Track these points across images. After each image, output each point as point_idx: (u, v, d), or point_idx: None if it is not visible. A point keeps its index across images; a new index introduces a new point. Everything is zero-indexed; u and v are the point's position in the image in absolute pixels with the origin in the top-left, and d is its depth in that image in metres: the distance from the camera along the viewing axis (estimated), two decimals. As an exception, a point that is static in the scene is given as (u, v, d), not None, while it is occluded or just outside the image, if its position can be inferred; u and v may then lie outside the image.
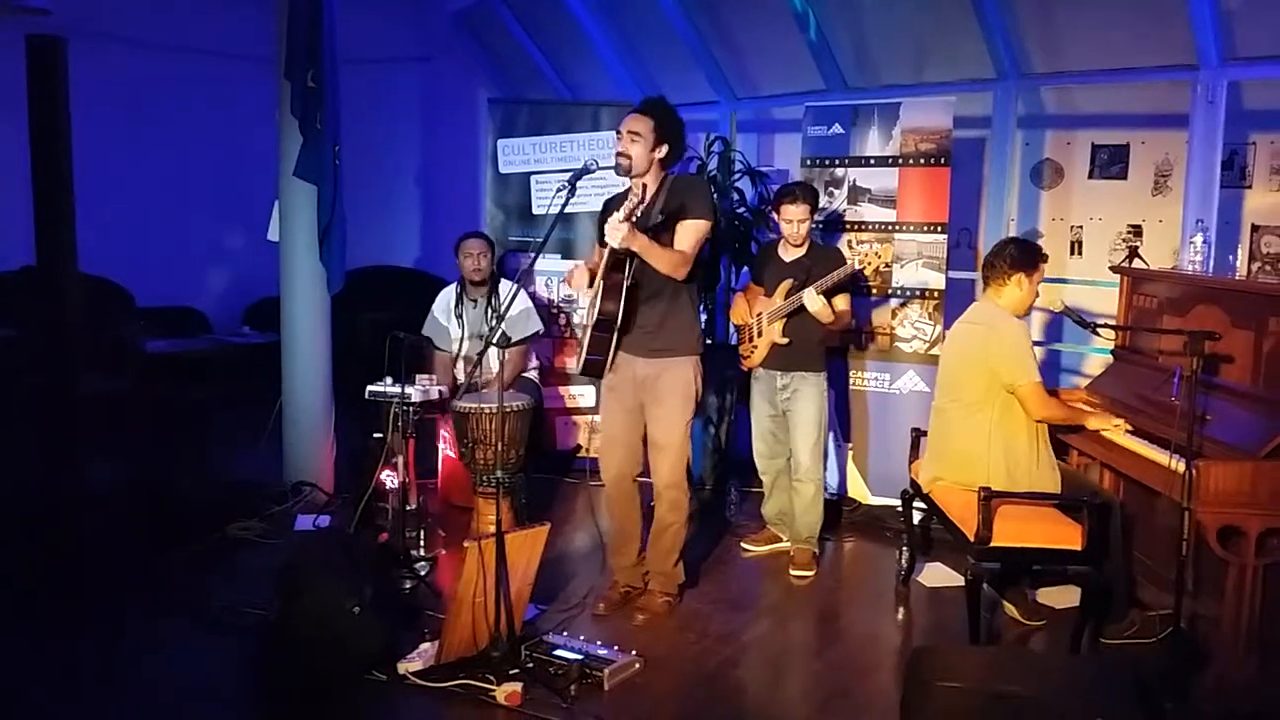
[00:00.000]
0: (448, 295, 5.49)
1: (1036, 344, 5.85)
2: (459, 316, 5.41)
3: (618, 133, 3.92)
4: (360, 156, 6.24)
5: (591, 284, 4.03)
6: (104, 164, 6.48)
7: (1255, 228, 5.24)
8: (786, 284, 4.57)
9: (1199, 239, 4.40)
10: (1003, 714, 2.82)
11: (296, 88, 5.01)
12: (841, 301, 4.56)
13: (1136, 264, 4.70)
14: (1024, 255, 3.90)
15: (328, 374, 5.47)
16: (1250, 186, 5.27)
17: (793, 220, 4.57)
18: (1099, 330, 4.00)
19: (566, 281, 4.22)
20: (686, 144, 4.11)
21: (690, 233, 3.85)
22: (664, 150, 3.88)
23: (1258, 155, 5.23)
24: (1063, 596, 4.15)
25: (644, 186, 3.79)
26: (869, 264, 4.42)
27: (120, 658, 3.69)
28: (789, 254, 4.68)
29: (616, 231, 3.61)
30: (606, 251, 3.79)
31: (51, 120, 4.70)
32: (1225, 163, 5.09)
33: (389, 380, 4.60)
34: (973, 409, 3.86)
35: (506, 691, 3.28)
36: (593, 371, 4.04)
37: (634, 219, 3.65)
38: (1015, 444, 3.82)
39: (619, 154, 3.87)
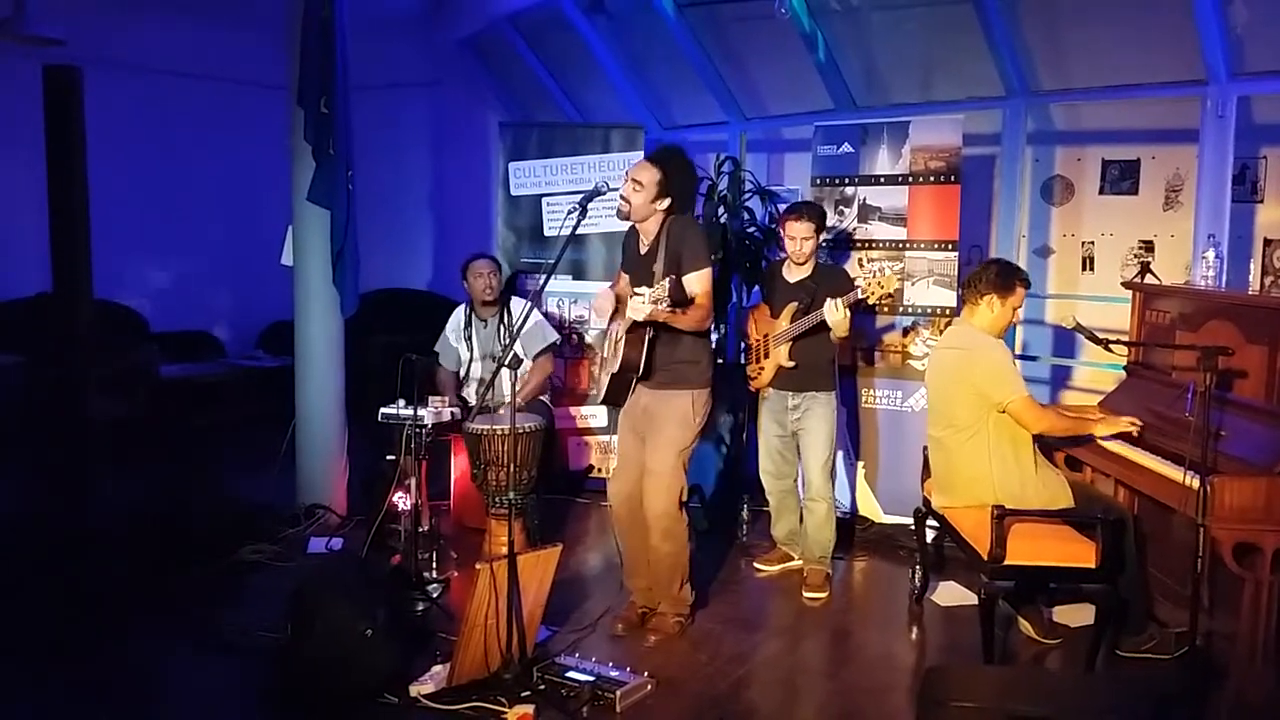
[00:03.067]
0: (458, 317, 5.52)
1: (1029, 359, 5.87)
2: (468, 339, 5.44)
3: (626, 175, 3.96)
4: (373, 181, 6.29)
5: (614, 313, 4.08)
6: (119, 190, 6.56)
7: (1268, 242, 5.22)
8: (791, 307, 4.57)
9: (1211, 254, 4.38)
10: (1018, 734, 2.80)
11: (309, 114, 5.05)
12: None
13: (1148, 279, 4.68)
14: (1000, 278, 3.92)
15: (341, 397, 5.50)
16: (1262, 201, 5.25)
17: (796, 237, 4.56)
18: (1111, 346, 3.98)
19: (595, 309, 4.26)
20: (696, 196, 4.12)
21: (699, 285, 3.88)
22: (666, 203, 3.92)
23: (1269, 169, 5.22)
24: (1079, 614, 4.12)
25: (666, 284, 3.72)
26: (871, 294, 4.35)
27: (133, 681, 3.70)
28: (793, 274, 4.68)
29: (640, 311, 3.67)
30: (628, 320, 3.84)
31: (67, 148, 4.76)
32: (1236, 177, 5.08)
33: (401, 403, 4.62)
34: (968, 433, 3.86)
35: (518, 714, 3.28)
36: (613, 402, 4.13)
37: (660, 304, 3.67)
38: (1019, 459, 3.83)
39: (621, 197, 3.92)
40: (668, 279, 3.71)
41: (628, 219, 3.98)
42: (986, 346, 3.85)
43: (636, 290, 3.75)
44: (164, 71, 7.76)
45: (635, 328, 3.88)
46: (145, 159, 7.67)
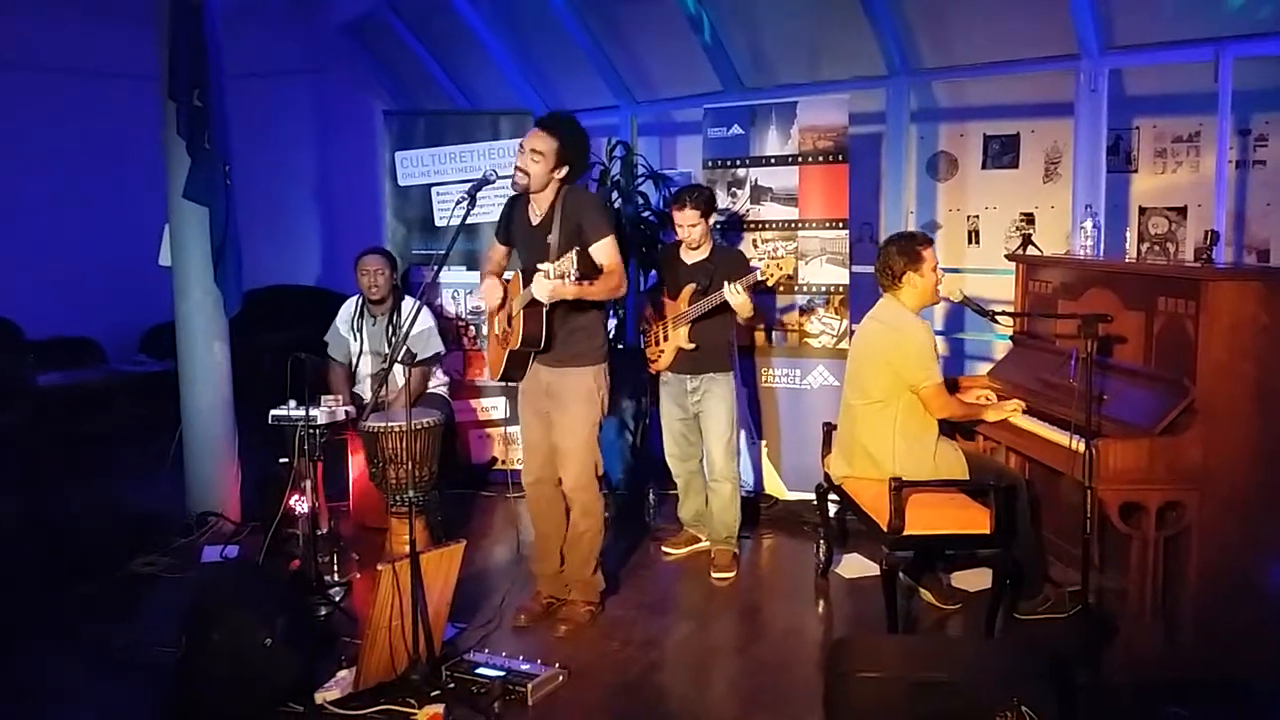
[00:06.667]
0: (350, 308, 5.38)
1: (940, 334, 5.99)
2: (358, 330, 5.31)
3: (521, 147, 3.87)
4: (254, 174, 6.09)
5: (503, 300, 4.02)
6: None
7: (1142, 210, 5.40)
8: (689, 289, 4.59)
9: (1089, 224, 4.52)
10: (923, 701, 2.86)
11: (182, 107, 4.87)
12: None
13: (1030, 251, 4.81)
14: (905, 253, 3.98)
15: (229, 400, 5.33)
16: (1136, 170, 5.43)
17: (684, 225, 4.60)
18: (997, 318, 4.08)
19: (481, 297, 4.18)
20: (590, 161, 4.08)
21: (606, 252, 3.85)
22: (564, 171, 3.86)
23: (1141, 139, 5.40)
24: (977, 579, 4.23)
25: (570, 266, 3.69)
26: (770, 275, 4.45)
27: (22, 705, 3.52)
28: (690, 257, 4.70)
29: (545, 289, 3.63)
30: (526, 296, 3.77)
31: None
32: (1111, 148, 5.24)
33: (292, 403, 4.48)
34: (878, 407, 3.94)
35: (428, 714, 3.22)
36: (510, 377, 4.09)
37: (565, 279, 3.63)
38: (920, 441, 3.92)
39: (518, 169, 3.83)
40: (573, 251, 3.64)
41: (526, 191, 3.89)
42: (912, 328, 3.92)
43: (539, 266, 3.70)
44: (28, 67, 7.38)
45: (534, 302, 3.82)
46: (13, 157, 7.30)
